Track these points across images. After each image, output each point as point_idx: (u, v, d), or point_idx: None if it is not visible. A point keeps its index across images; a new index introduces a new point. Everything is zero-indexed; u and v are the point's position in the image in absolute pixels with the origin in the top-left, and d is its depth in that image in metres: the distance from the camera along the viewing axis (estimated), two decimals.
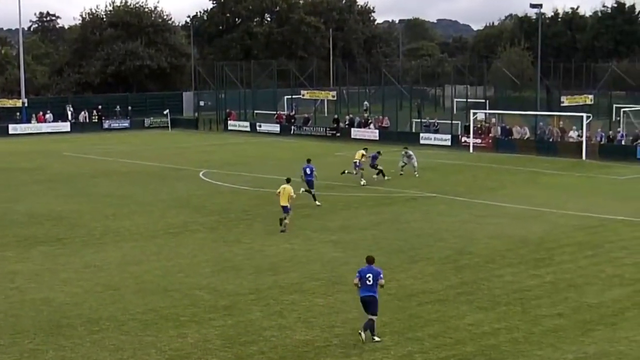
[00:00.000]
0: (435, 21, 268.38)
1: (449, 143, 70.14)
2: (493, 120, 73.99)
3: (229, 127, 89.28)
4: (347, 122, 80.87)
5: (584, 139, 61.84)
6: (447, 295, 24.96)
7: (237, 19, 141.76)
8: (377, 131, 76.53)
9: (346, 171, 48.39)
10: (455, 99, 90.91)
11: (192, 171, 54.09)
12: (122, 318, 22.92)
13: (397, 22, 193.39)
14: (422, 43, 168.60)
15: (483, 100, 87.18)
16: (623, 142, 63.88)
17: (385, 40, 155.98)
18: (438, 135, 72.53)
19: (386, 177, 48.67)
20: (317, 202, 40.64)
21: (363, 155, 48.10)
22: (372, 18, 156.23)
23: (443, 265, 28.67)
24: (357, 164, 47.84)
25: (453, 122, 75.61)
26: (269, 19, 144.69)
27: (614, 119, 75.17)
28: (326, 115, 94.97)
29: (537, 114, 73.26)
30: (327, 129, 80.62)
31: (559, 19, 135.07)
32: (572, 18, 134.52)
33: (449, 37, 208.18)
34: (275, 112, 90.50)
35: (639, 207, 40.13)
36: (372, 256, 22.02)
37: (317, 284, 26.25)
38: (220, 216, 38.15)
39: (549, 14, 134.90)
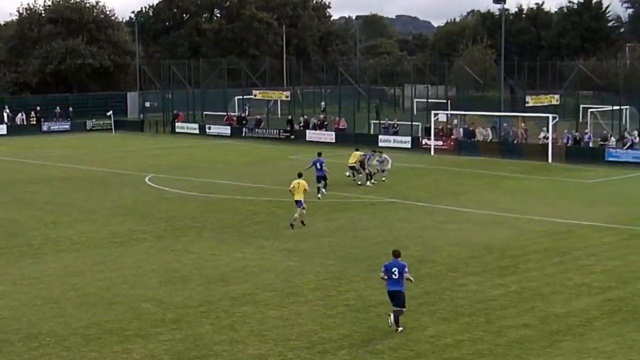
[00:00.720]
0: (394, 17, 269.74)
1: (409, 145, 70.41)
2: (455, 121, 74.38)
3: (177, 130, 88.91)
4: (301, 124, 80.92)
5: (549, 140, 62.36)
6: (408, 305, 24.89)
7: (184, 15, 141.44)
8: (333, 133, 76.64)
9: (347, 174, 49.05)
10: (415, 99, 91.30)
11: (137, 176, 53.79)
12: (64, 333, 22.72)
13: (354, 18, 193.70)
14: (381, 40, 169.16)
15: (444, 101, 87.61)
16: (590, 144, 64.51)
17: (342, 37, 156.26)
18: (398, 138, 72.80)
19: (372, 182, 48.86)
20: (319, 195, 42.93)
21: (357, 157, 48.64)
22: (327, 14, 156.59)
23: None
24: (356, 168, 48.07)
25: (413, 123, 75.90)
26: (218, 14, 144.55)
27: (580, 119, 75.90)
28: (279, 116, 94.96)
29: (501, 115, 73.77)
30: (281, 131, 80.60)
31: (523, 15, 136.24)
32: (537, 14, 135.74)
33: (408, 34, 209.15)
34: (225, 114, 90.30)
35: (607, 211, 40.53)
36: (398, 250, 23.80)
37: (270, 295, 26.20)
38: (168, 224, 37.97)
39: (513, 10, 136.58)
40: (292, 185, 36.98)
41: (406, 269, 22.97)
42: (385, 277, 22.97)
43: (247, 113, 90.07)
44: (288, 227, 36.31)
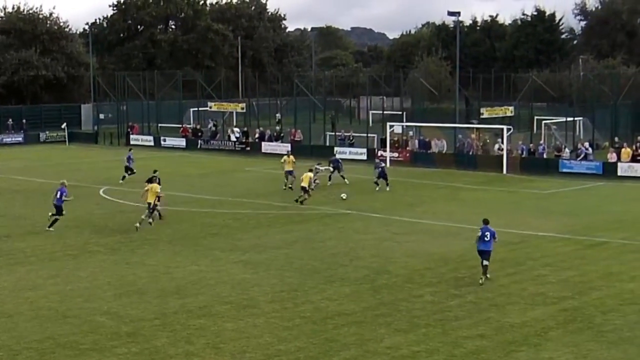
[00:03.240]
0: (349, 29, 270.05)
1: (364, 157, 70.56)
2: (410, 133, 74.70)
3: (131, 141, 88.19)
4: (256, 136, 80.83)
5: (504, 152, 62.81)
6: (365, 317, 25.05)
7: (139, 26, 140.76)
8: (289, 145, 76.59)
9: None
10: (370, 111, 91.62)
11: (92, 189, 53.44)
12: (17, 347, 22.49)
13: (309, 30, 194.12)
14: (336, 52, 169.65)
15: (400, 112, 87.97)
16: (545, 155, 65.06)
17: (297, 49, 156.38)
18: (353, 149, 72.97)
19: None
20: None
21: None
22: (283, 26, 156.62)
23: (360, 286, 28.79)
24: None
25: (369, 135, 76.12)
26: (173, 26, 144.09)
27: (535, 131, 76.53)
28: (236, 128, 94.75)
29: (456, 127, 74.22)
30: (237, 143, 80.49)
31: (478, 27, 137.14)
32: (491, 26, 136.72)
33: (363, 45, 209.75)
34: (180, 125, 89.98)
35: (562, 222, 40.88)
36: (487, 219, 30.44)
37: (226, 307, 26.13)
38: (123, 236, 37.76)
39: (468, 22, 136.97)
40: (301, 177, 46.16)
41: (495, 235, 29.87)
42: (479, 240, 29.79)
43: (210, 126, 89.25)
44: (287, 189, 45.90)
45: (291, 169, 51.54)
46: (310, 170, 48.30)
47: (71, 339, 23.10)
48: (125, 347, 22.48)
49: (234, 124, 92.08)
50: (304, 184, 46.02)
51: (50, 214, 39.46)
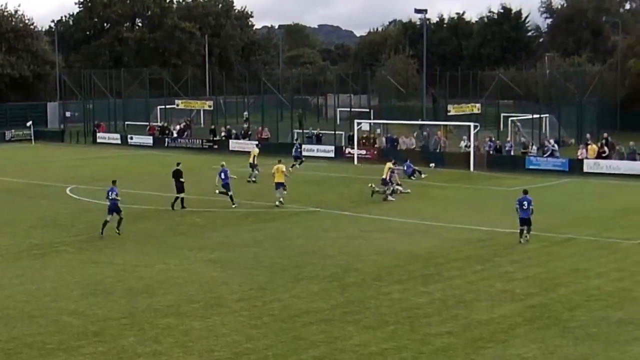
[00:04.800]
0: (316, 27, 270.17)
1: (332, 155, 70.60)
2: (378, 130, 74.79)
3: (98, 140, 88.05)
4: (223, 134, 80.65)
5: (471, 149, 63.03)
6: (333, 315, 25.04)
7: (105, 24, 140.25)
8: (256, 142, 76.43)
9: (373, 185, 48.48)
10: (338, 109, 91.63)
11: (58, 187, 53.12)
12: None
13: (276, 27, 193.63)
14: (303, 50, 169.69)
15: (367, 110, 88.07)
16: (512, 153, 65.37)
17: (265, 47, 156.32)
18: (321, 147, 73.00)
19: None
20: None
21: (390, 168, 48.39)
22: (250, 23, 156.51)
23: (328, 284, 28.79)
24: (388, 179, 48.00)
25: (336, 132, 76.15)
26: (140, 24, 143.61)
27: (501, 128, 76.88)
28: (202, 126, 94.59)
29: (423, 124, 74.45)
30: (204, 140, 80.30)
31: (445, 25, 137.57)
32: (458, 24, 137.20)
33: (331, 43, 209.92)
34: (147, 123, 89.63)
35: None
36: (526, 189, 36.66)
37: (194, 306, 26.04)
38: (90, 235, 37.55)
39: (434, 19, 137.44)
40: (273, 170, 45.56)
41: (532, 203, 35.01)
42: (519, 208, 35.08)
43: (186, 122, 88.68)
44: (274, 206, 44.43)
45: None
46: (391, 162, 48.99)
47: (37, 339, 22.93)
48: (92, 346, 22.34)
49: (201, 122, 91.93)
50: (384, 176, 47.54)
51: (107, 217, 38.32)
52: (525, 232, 35.27)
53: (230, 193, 45.24)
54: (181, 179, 44.69)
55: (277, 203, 45.00)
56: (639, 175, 57.05)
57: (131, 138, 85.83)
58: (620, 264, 31.96)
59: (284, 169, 45.80)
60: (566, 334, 23.24)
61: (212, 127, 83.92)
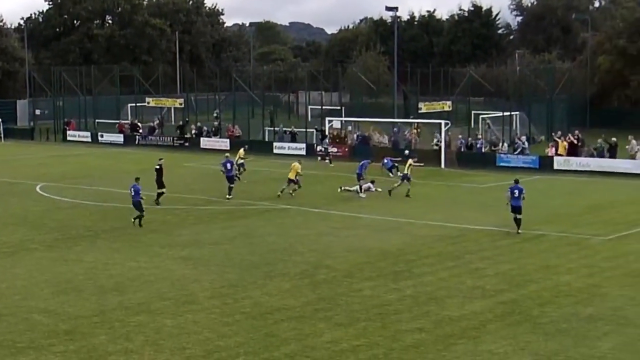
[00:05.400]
0: (287, 24, 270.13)
1: (304, 152, 70.57)
2: (349, 127, 74.87)
3: (68, 138, 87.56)
4: (194, 131, 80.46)
5: (442, 146, 63.23)
6: (304, 312, 25.06)
7: (75, 21, 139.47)
8: (228, 140, 76.41)
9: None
10: (309, 106, 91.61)
11: (28, 185, 52.83)
12: None
13: (247, 25, 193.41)
14: (274, 47, 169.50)
15: (339, 107, 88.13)
16: (483, 150, 65.61)
17: (236, 44, 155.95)
18: (292, 144, 72.95)
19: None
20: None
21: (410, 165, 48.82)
22: (221, 20, 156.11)
23: (299, 281, 28.81)
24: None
25: (308, 130, 76.17)
26: (110, 20, 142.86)
27: (472, 125, 77.15)
28: (173, 123, 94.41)
29: (394, 121, 74.59)
30: (175, 138, 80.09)
31: (416, 23, 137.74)
32: (429, 21, 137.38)
33: (302, 40, 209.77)
34: (118, 121, 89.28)
35: (499, 216, 41.12)
36: (518, 178, 38.34)
37: (165, 304, 25.98)
38: (60, 233, 37.38)
39: (405, 17, 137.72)
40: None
41: (524, 191, 36.74)
42: (510, 197, 36.69)
43: (157, 122, 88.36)
44: (278, 194, 46.53)
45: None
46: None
47: (7, 338, 22.80)
48: (63, 345, 22.25)
49: (172, 119, 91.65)
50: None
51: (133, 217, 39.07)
52: (516, 220, 36.88)
53: (232, 185, 47.00)
54: (161, 176, 45.34)
55: (278, 193, 47.21)
56: (608, 172, 57.45)
57: (101, 136, 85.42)
58: (590, 260, 32.18)
59: (299, 169, 47.46)
60: (536, 329, 23.38)
61: (181, 123, 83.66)
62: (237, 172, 52.10)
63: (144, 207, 39.02)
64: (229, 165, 47.67)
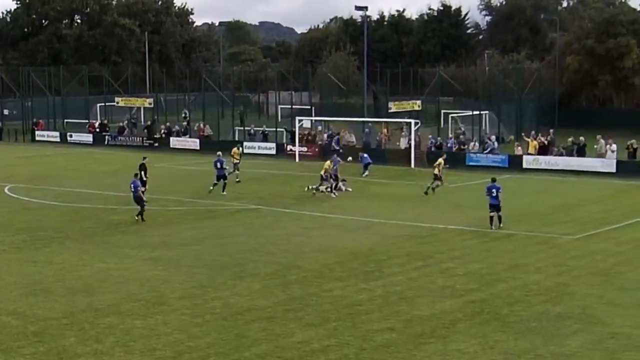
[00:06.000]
0: (257, 24, 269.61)
1: (274, 152, 70.54)
2: (319, 127, 74.87)
3: (37, 138, 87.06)
4: (163, 131, 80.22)
5: (412, 146, 63.37)
6: (275, 312, 25.06)
7: (44, 21, 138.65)
8: (198, 140, 76.28)
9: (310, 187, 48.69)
10: (279, 106, 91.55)
11: None
12: None
13: (217, 24, 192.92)
14: (244, 47, 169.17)
15: (309, 107, 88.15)
16: (453, 149, 65.81)
17: (205, 44, 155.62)
18: (263, 144, 72.87)
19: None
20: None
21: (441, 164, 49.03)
22: (190, 20, 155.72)
23: (270, 281, 28.79)
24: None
25: (278, 129, 76.13)
26: (79, 20, 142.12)
27: (442, 125, 77.38)
28: (142, 123, 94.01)
29: (364, 121, 74.70)
30: (144, 138, 79.81)
31: (385, 23, 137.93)
32: (399, 21, 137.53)
33: (271, 40, 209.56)
34: (87, 121, 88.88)
35: (469, 215, 41.38)
36: (494, 177, 39.00)
37: (135, 305, 25.89)
38: (28, 235, 37.14)
39: (375, 17, 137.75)
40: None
41: (501, 190, 37.44)
42: (488, 195, 37.53)
43: (125, 122, 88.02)
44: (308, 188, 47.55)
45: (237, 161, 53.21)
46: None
47: None
48: (32, 347, 22.12)
49: (142, 119, 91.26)
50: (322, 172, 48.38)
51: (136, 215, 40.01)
52: (495, 218, 37.68)
53: (225, 182, 48.24)
54: (144, 173, 46.40)
55: (306, 188, 48.77)
56: (577, 171, 57.81)
57: (70, 136, 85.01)
58: (559, 259, 32.36)
59: (327, 166, 48.09)
60: (506, 328, 23.49)
61: (149, 123, 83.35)
62: (231, 171, 52.04)
63: (145, 200, 40.54)
64: (218, 164, 48.44)
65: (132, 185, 40.38)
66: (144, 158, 48.66)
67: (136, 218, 39.83)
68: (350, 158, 56.38)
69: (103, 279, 29.26)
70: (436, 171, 48.47)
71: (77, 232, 37.57)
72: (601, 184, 53.49)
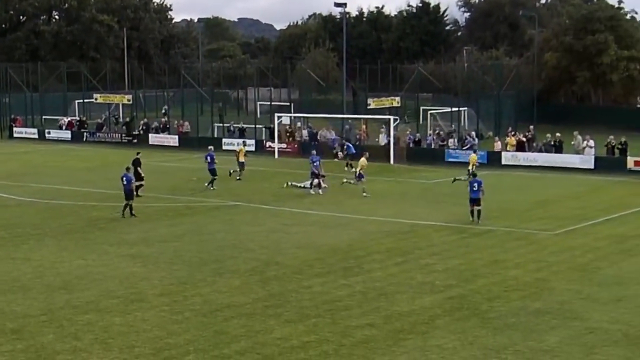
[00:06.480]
0: (236, 20, 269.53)
1: (253, 148, 70.46)
2: (299, 124, 74.86)
3: (15, 135, 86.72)
4: (141, 128, 80.00)
5: (391, 142, 63.42)
6: (254, 308, 25.02)
7: (21, 17, 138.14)
8: (177, 137, 76.12)
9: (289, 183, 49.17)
10: (258, 102, 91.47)
11: None
12: None
13: (196, 21, 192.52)
14: (223, 43, 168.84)
15: (288, 104, 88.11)
16: (433, 146, 65.93)
17: (184, 40, 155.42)
18: (241, 140, 72.60)
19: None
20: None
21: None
22: (169, 17, 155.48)
23: (249, 278, 28.76)
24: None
25: (257, 126, 76.07)
26: (57, 17, 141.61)
27: (421, 121, 77.49)
28: (122, 120, 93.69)
29: (343, 117, 74.69)
30: (123, 135, 79.58)
31: (364, 19, 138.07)
32: (377, 18, 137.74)
33: (251, 37, 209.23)
34: (66, 118, 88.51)
35: (448, 211, 41.48)
36: (475, 172, 42.32)
37: (114, 302, 25.80)
38: (7, 232, 36.95)
39: (354, 13, 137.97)
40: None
41: (482, 185, 38.10)
42: (470, 190, 38.23)
43: (104, 118, 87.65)
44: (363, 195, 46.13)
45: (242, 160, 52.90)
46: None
47: None
48: (11, 344, 22.01)
49: (121, 116, 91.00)
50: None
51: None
52: (475, 212, 38.26)
53: (215, 177, 48.56)
54: (139, 168, 46.61)
55: (285, 184, 49.12)
56: (555, 167, 58.03)
57: (49, 133, 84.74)
58: (537, 254, 32.46)
59: (365, 163, 47.92)
60: (485, 324, 23.54)
61: (127, 119, 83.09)
62: (240, 174, 52.02)
63: (134, 195, 41.14)
64: (209, 159, 49.03)
65: (124, 178, 40.50)
66: (138, 153, 48.77)
67: (122, 214, 39.91)
68: (340, 154, 56.72)
69: (82, 275, 29.15)
70: (472, 168, 48.99)
71: (55, 229, 37.43)
72: (579, 180, 53.71)
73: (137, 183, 45.12)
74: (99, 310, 24.99)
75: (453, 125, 73.41)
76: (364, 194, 46.35)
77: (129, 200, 40.33)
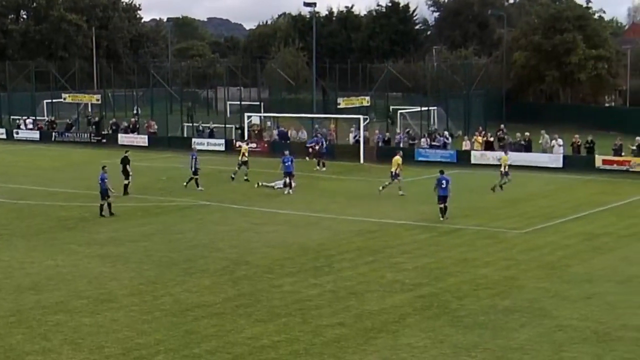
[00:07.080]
0: (205, 19, 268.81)
1: (223, 148, 70.33)
2: (268, 123, 74.79)
3: None
4: (110, 128, 79.66)
5: (361, 141, 63.50)
6: (225, 308, 25.00)
7: None
8: (146, 137, 75.83)
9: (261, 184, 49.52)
10: (228, 102, 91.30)
11: None
12: None
13: (165, 20, 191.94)
14: (192, 43, 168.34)
15: (258, 103, 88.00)
16: (402, 144, 66.05)
17: (153, 39, 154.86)
18: (211, 140, 72.61)
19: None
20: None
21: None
22: (138, 16, 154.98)
23: (219, 277, 28.72)
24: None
25: (227, 126, 75.90)
26: (25, 16, 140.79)
27: (391, 121, 77.59)
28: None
29: (313, 117, 74.70)
30: (92, 135, 79.20)
31: (334, 18, 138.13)
32: (347, 17, 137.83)
33: (220, 36, 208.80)
34: (34, 118, 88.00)
35: (418, 210, 41.59)
36: (443, 169, 40.45)
37: (83, 302, 25.70)
38: None
39: (324, 12, 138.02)
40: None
41: (450, 182, 38.89)
42: (437, 187, 38.75)
43: (74, 118, 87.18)
44: (379, 190, 46.34)
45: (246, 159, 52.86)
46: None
47: None
48: None
49: (90, 115, 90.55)
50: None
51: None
52: (443, 208, 38.81)
53: (196, 177, 48.39)
54: (128, 167, 46.73)
55: (256, 184, 49.54)
56: (524, 166, 58.23)
57: (17, 132, 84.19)
58: (507, 253, 32.61)
59: (400, 161, 47.23)
60: (455, 322, 23.62)
61: (96, 119, 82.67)
62: (245, 173, 52.04)
63: (110, 194, 40.75)
64: (194, 157, 49.03)
65: (100, 178, 40.56)
66: (126, 151, 49.03)
67: (100, 213, 40.11)
68: (312, 150, 57.07)
69: (51, 276, 29.01)
70: (505, 168, 48.41)
71: (24, 229, 37.23)
72: (548, 179, 53.98)
73: (126, 181, 45.48)
74: (68, 310, 24.88)
75: (436, 125, 73.78)
76: (400, 193, 46.36)
77: (103, 200, 40.23)
